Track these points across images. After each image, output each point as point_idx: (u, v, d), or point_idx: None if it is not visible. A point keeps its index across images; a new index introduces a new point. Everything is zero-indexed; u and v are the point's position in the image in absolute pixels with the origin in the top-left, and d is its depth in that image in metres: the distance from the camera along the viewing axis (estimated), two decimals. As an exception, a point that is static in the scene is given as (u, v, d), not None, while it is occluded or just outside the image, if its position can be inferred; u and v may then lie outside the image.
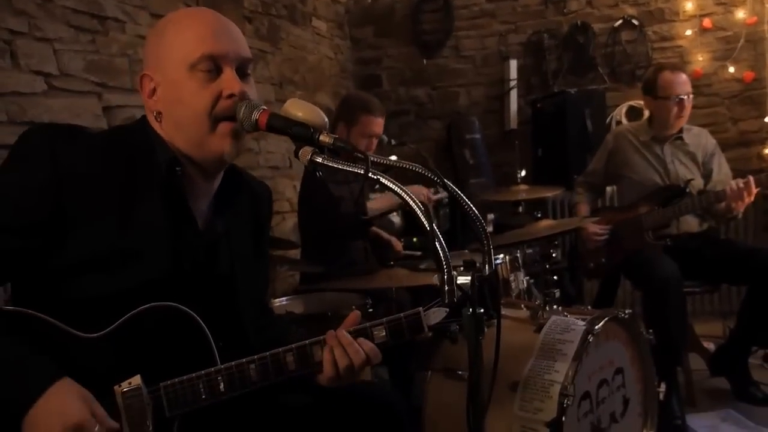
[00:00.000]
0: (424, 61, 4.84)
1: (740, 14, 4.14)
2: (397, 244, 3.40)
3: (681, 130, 3.24)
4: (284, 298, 2.64)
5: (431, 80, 4.80)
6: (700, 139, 3.27)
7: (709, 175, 3.22)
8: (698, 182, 3.22)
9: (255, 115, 1.25)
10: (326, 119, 1.36)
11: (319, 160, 1.19)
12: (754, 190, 2.88)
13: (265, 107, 1.27)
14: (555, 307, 2.23)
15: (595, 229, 3.25)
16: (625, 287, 3.63)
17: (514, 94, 4.54)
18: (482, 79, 4.70)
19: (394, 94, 4.88)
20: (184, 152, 1.31)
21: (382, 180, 1.14)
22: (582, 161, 4.10)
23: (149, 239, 1.25)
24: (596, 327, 2.03)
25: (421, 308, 1.35)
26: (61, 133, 1.27)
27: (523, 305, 2.42)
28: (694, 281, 3.17)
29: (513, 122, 4.57)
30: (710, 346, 3.76)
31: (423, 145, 4.84)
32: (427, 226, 1.15)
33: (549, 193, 3.07)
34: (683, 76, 3.14)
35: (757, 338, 3.11)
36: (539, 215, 2.27)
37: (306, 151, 1.20)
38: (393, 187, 1.14)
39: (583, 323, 2.06)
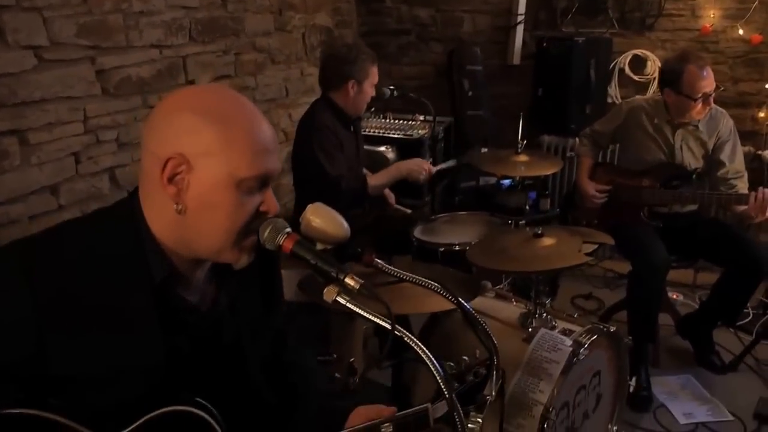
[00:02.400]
0: (431, -20, 4.57)
1: (760, -26, 3.96)
2: (390, 197, 3.40)
3: None
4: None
5: (436, 1, 4.54)
6: (717, 122, 3.15)
7: (717, 164, 3.16)
8: (700, 165, 3.18)
9: (279, 240, 1.19)
10: (348, 228, 1.32)
11: (343, 302, 1.16)
12: None
13: (289, 230, 1.20)
14: (545, 316, 2.28)
15: (594, 192, 3.27)
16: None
17: (520, 29, 4.33)
18: (489, 7, 4.44)
19: (396, 12, 4.61)
20: (189, 254, 1.24)
21: (405, 338, 1.13)
22: (581, 112, 4.04)
23: (143, 351, 1.20)
24: (582, 349, 2.11)
25: (429, 404, 1.30)
26: (37, 256, 1.16)
27: (513, 301, 2.48)
28: (674, 255, 3.20)
29: (516, 57, 4.40)
30: (679, 297, 3.96)
31: (421, 68, 4.69)
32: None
33: (548, 171, 3.02)
34: (709, 72, 2.96)
35: (724, 317, 3.26)
36: (540, 232, 2.24)
37: (331, 292, 1.16)
38: (420, 351, 1.12)
39: (570, 344, 2.13)
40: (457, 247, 2.77)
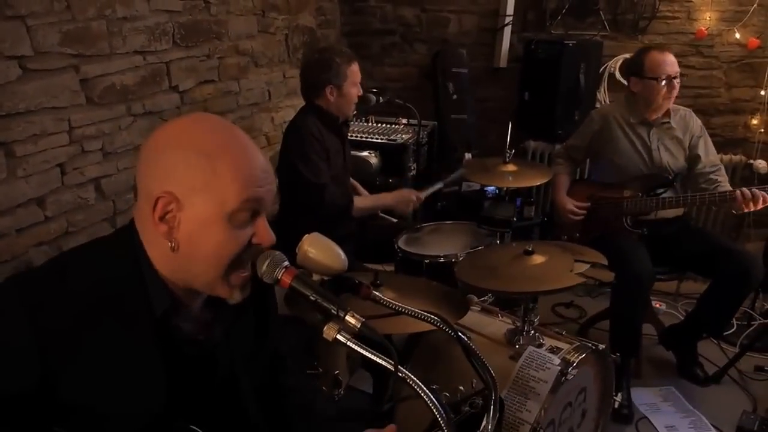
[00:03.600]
0: (416, -21, 4.52)
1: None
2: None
3: (668, 113, 3.19)
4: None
5: (422, 1, 4.48)
6: (687, 121, 3.23)
7: (695, 160, 3.21)
8: (681, 167, 3.22)
9: (277, 274, 1.18)
10: (345, 260, 1.30)
11: (344, 340, 1.14)
12: (761, 205, 2.87)
13: (287, 264, 1.20)
14: (532, 333, 2.28)
15: (572, 207, 3.27)
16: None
17: (507, 31, 4.29)
18: (476, 8, 4.39)
19: (380, 12, 4.55)
20: (185, 285, 1.23)
21: (409, 381, 1.11)
22: (570, 117, 4.02)
23: (145, 383, 1.21)
24: (570, 369, 2.11)
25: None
26: (38, 289, 1.15)
27: (499, 316, 2.47)
28: (662, 267, 3.23)
29: (503, 60, 4.37)
30: (662, 306, 3.99)
31: (405, 70, 4.65)
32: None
33: (537, 182, 3.00)
34: (671, 57, 3.07)
35: (709, 329, 3.27)
36: (531, 250, 2.23)
37: (331, 329, 1.14)
38: (423, 394, 1.11)
39: (558, 363, 2.13)
40: (442, 260, 2.75)
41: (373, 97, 3.34)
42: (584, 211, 3.27)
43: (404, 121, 4.21)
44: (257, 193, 1.17)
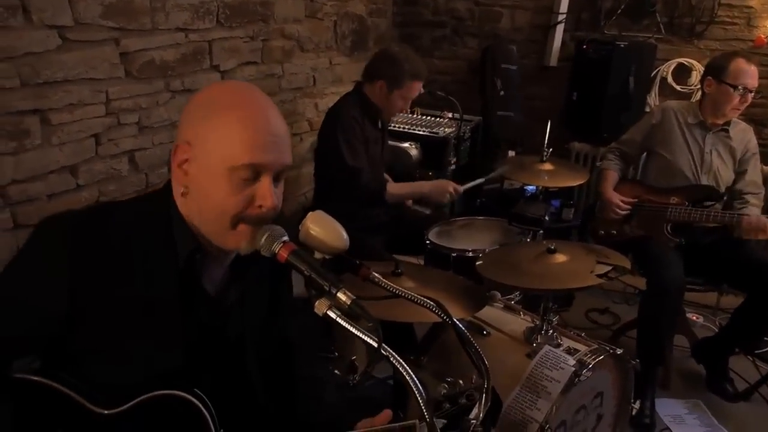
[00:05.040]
0: (471, -29, 4.47)
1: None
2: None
3: (728, 122, 3.10)
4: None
5: (476, -6, 4.46)
6: (744, 135, 3.16)
7: (740, 175, 3.14)
8: (729, 177, 3.14)
9: (275, 248, 1.20)
10: (347, 239, 1.31)
11: (334, 316, 1.15)
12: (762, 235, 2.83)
13: (286, 238, 1.22)
14: (551, 332, 2.24)
15: (619, 201, 3.20)
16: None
17: (560, 29, 4.22)
18: (530, 4, 4.33)
19: (433, 3, 4.53)
20: (203, 234, 1.28)
21: (392, 359, 1.11)
22: (616, 120, 3.92)
23: (163, 331, 1.26)
24: (584, 371, 2.07)
25: (416, 420, 1.37)
26: (75, 224, 1.24)
27: (521, 314, 2.45)
28: (698, 278, 3.17)
29: (553, 59, 4.29)
30: (699, 319, 3.88)
31: (454, 63, 4.62)
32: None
33: (573, 183, 2.95)
34: (755, 70, 3.00)
35: (742, 343, 3.18)
36: (553, 248, 2.19)
37: (322, 305, 1.15)
38: (404, 373, 1.11)
39: (573, 363, 2.09)
40: (470, 254, 2.72)
41: (417, 89, 3.32)
42: (628, 208, 3.20)
43: (449, 115, 4.18)
44: (261, 157, 1.21)
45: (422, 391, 1.11)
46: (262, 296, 1.47)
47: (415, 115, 4.23)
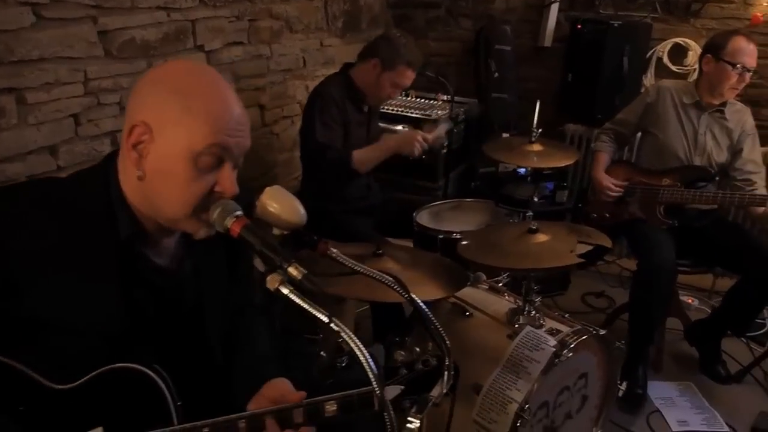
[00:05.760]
0: (465, -50, 4.40)
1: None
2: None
3: (724, 103, 3.06)
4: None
5: (469, -26, 4.38)
6: (741, 116, 3.11)
7: (737, 154, 3.08)
8: (722, 159, 3.09)
9: (227, 223, 1.19)
10: (304, 215, 1.30)
11: (286, 292, 1.13)
12: None
13: (239, 213, 1.20)
14: (533, 313, 2.22)
15: (610, 184, 3.17)
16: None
17: (554, 9, 4.16)
18: (525, -17, 4.29)
19: (427, -17, 4.50)
20: (154, 217, 1.28)
21: (344, 335, 1.10)
22: (610, 102, 3.86)
23: (103, 301, 1.26)
24: (564, 351, 2.06)
25: (374, 387, 1.37)
26: (14, 200, 1.24)
27: (505, 295, 2.43)
28: (690, 259, 3.15)
29: (548, 39, 4.23)
30: (694, 302, 3.86)
31: (449, 45, 4.57)
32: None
33: (561, 163, 2.91)
34: (755, 49, 2.94)
35: (734, 326, 3.17)
36: (535, 228, 2.16)
37: (274, 280, 1.13)
38: (355, 347, 1.09)
39: (554, 344, 2.08)
40: (457, 235, 2.70)
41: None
42: (620, 191, 3.16)
43: (443, 97, 4.14)
44: (226, 141, 1.20)
45: (373, 366, 1.10)
46: (220, 265, 1.47)
47: (409, 98, 4.19)
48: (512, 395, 2.03)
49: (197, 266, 1.41)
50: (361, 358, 1.09)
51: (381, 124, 3.70)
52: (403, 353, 1.42)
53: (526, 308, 2.23)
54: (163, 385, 1.25)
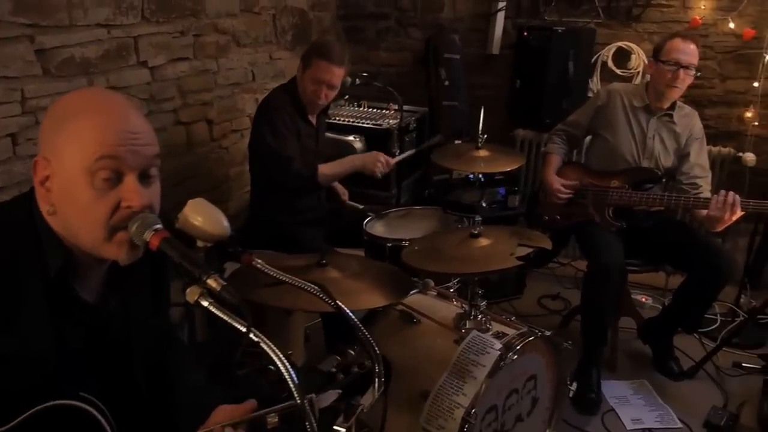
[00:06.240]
0: (412, -38, 4.44)
1: (755, -36, 3.82)
2: (344, 193, 3.37)
3: (673, 107, 3.12)
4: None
5: (417, -16, 4.43)
6: (689, 120, 3.17)
7: (684, 158, 3.14)
8: (669, 163, 3.15)
9: (147, 236, 1.17)
10: (228, 227, 1.29)
11: (206, 304, 1.13)
12: (739, 213, 2.78)
13: (159, 226, 1.19)
14: (480, 317, 2.25)
15: (560, 186, 3.21)
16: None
17: (501, 17, 4.22)
18: (471, -8, 4.35)
19: (376, -6, 4.53)
20: (80, 248, 1.25)
21: (263, 344, 1.10)
22: (558, 106, 3.92)
23: (33, 342, 1.22)
24: (510, 353, 2.08)
25: (313, 394, 1.37)
26: None
27: (453, 301, 2.45)
28: (639, 259, 3.21)
29: (496, 47, 4.29)
30: (648, 300, 3.92)
31: (400, 55, 4.60)
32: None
33: (508, 168, 2.95)
34: (692, 47, 2.99)
35: (683, 323, 3.22)
36: (477, 232, 2.19)
37: (193, 292, 1.13)
38: (272, 354, 1.09)
39: (499, 347, 2.10)
40: (405, 243, 2.72)
41: (348, 80, 3.30)
42: (570, 193, 3.21)
43: (395, 106, 4.16)
44: (116, 151, 1.17)
45: (294, 375, 1.10)
46: (145, 297, 1.46)
47: (361, 108, 4.22)
48: (459, 400, 2.04)
49: (125, 299, 1.39)
50: (282, 368, 1.09)
51: (333, 135, 3.73)
52: (338, 357, 1.42)
53: (472, 313, 2.25)
54: (101, 418, 1.22)
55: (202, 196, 1.31)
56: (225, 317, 1.12)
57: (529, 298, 3.97)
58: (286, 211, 3.02)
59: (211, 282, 1.14)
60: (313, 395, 1.26)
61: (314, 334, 2.82)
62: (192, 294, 1.14)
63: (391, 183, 3.84)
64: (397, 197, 3.84)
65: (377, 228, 2.99)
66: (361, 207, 3.26)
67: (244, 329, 1.11)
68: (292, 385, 1.09)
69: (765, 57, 3.83)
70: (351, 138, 3.81)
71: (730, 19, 3.89)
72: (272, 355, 1.10)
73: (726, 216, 2.78)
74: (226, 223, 1.30)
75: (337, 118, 3.97)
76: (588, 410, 2.94)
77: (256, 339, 1.11)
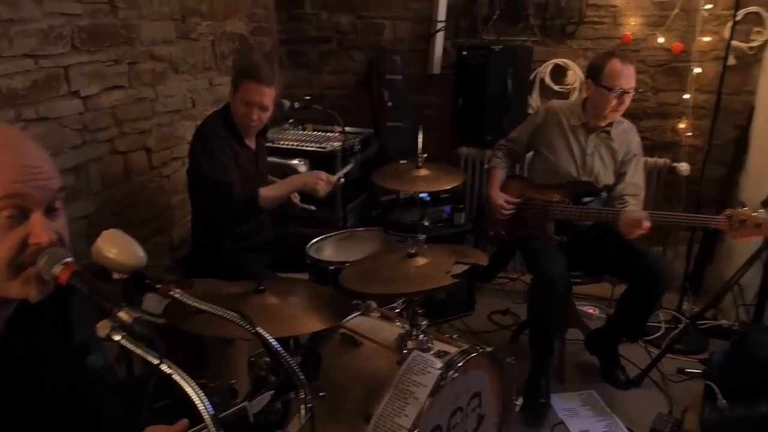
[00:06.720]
0: (351, -14, 4.50)
1: (678, -19, 3.96)
2: (295, 196, 3.29)
3: (611, 124, 3.17)
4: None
5: (357, 8, 4.46)
6: (627, 136, 3.22)
7: (621, 178, 3.20)
8: (609, 180, 3.21)
9: (56, 270, 1.13)
10: (143, 257, 1.27)
11: (117, 337, 1.10)
12: (646, 226, 2.87)
13: (69, 260, 1.14)
14: (421, 337, 2.24)
15: (503, 202, 3.25)
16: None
17: (440, 37, 4.29)
18: (410, 14, 4.38)
19: (316, 19, 4.53)
20: None
21: (175, 376, 1.07)
22: (498, 123, 3.99)
23: None
24: (451, 372, 2.08)
25: (246, 402, 1.37)
26: None
27: (396, 322, 2.43)
28: (581, 270, 3.25)
29: (437, 66, 4.35)
30: (595, 311, 3.97)
31: (343, 77, 4.63)
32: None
33: (448, 185, 2.96)
34: (631, 69, 3.02)
35: (626, 333, 3.27)
36: (414, 252, 2.19)
37: (104, 326, 1.10)
38: (188, 388, 1.07)
39: (440, 366, 2.10)
40: (348, 266, 2.70)
41: (287, 103, 3.29)
42: (512, 209, 3.24)
43: (339, 129, 4.17)
44: (18, 189, 1.13)
45: (209, 406, 1.08)
46: (50, 327, 1.38)
47: (306, 132, 4.22)
48: (401, 422, 2.02)
49: (30, 346, 1.32)
50: (196, 400, 1.07)
51: (277, 159, 3.71)
52: (267, 359, 1.42)
53: (413, 332, 2.25)
54: None
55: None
56: (137, 350, 1.10)
57: (480, 314, 3.99)
58: (229, 238, 2.99)
59: (123, 315, 1.11)
60: (247, 403, 1.27)
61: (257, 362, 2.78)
62: (103, 328, 1.11)
63: (337, 205, 3.83)
64: (343, 219, 3.82)
65: (321, 251, 2.97)
66: (314, 208, 3.22)
67: (156, 361, 1.08)
68: (207, 417, 1.07)
69: (693, 69, 3.96)
70: (295, 162, 3.80)
71: (658, 34, 4.02)
72: (184, 384, 1.08)
73: (632, 230, 2.88)
74: (141, 253, 1.28)
75: (282, 142, 3.96)
76: (537, 415, 2.97)
77: (168, 371, 1.09)
